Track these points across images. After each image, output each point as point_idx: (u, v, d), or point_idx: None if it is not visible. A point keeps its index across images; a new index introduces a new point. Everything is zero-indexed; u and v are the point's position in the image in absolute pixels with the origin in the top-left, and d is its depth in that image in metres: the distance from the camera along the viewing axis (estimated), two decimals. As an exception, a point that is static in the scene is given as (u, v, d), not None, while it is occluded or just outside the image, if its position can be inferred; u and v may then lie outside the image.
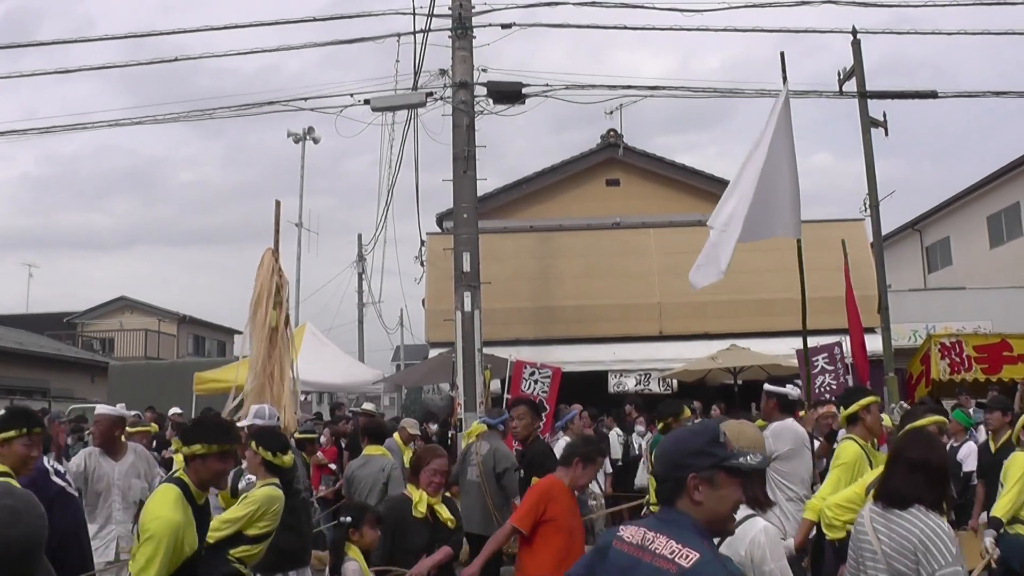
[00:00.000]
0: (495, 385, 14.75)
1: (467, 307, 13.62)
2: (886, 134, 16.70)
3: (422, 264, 21.23)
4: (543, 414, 13.75)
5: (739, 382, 16.39)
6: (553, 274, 19.57)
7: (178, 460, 5.42)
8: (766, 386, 7.84)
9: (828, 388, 13.97)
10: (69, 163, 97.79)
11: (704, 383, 17.47)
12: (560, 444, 11.41)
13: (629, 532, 2.90)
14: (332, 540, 5.56)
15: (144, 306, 42.62)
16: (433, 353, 18.87)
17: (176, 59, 15.93)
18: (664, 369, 17.63)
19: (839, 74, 16.95)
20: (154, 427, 12.22)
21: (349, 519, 5.56)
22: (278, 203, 8.51)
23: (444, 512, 6.21)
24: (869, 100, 16.52)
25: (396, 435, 10.89)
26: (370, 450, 8.50)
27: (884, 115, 16.66)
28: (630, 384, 17.91)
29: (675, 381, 17.73)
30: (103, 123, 16.26)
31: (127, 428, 8.28)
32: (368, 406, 11.88)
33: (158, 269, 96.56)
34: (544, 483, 6.16)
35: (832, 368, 14.28)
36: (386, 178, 30.89)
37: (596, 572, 2.97)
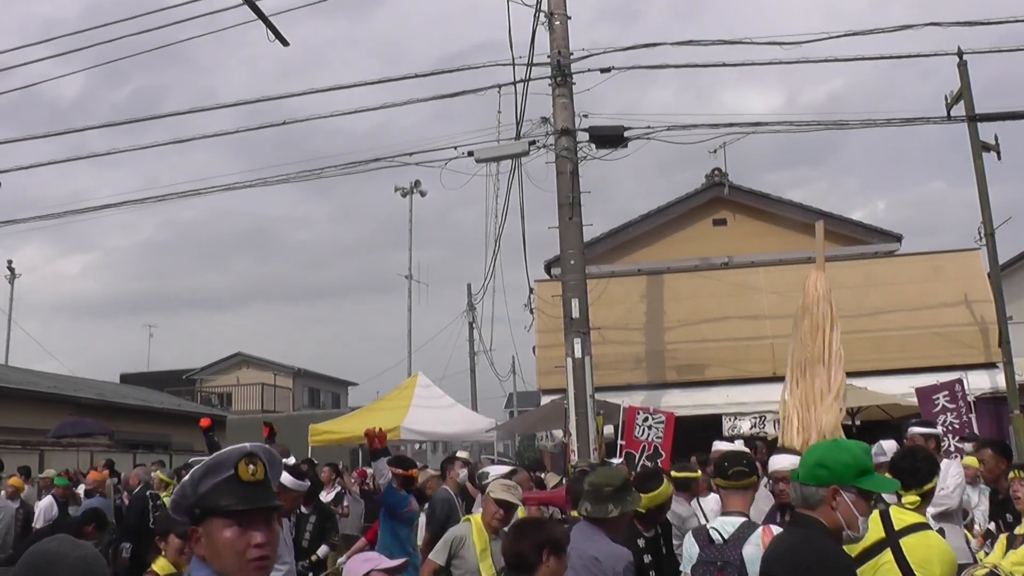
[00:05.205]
0: (608, 431, 14.67)
1: (577, 353, 13.57)
2: (999, 158, 16.25)
3: (531, 311, 21.29)
4: (659, 460, 13.62)
5: (857, 422, 16.01)
6: (662, 317, 19.40)
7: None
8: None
9: (951, 427, 13.57)
10: (188, 227, 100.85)
11: (821, 424, 17.11)
12: None
13: None
14: None
15: (260, 361, 43.62)
16: (545, 400, 18.86)
17: (284, 123, 16.36)
18: (779, 411, 17.27)
19: (946, 98, 16.56)
20: None
21: None
22: (820, 224, 8.41)
23: None
24: (979, 123, 16.11)
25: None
26: None
27: (996, 138, 16.22)
28: (745, 427, 17.58)
29: (791, 423, 17.39)
30: (216, 188, 16.76)
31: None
32: (462, 454, 11.78)
33: (273, 325, 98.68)
34: None
35: (954, 406, 13.85)
36: (493, 228, 31.05)
37: None
